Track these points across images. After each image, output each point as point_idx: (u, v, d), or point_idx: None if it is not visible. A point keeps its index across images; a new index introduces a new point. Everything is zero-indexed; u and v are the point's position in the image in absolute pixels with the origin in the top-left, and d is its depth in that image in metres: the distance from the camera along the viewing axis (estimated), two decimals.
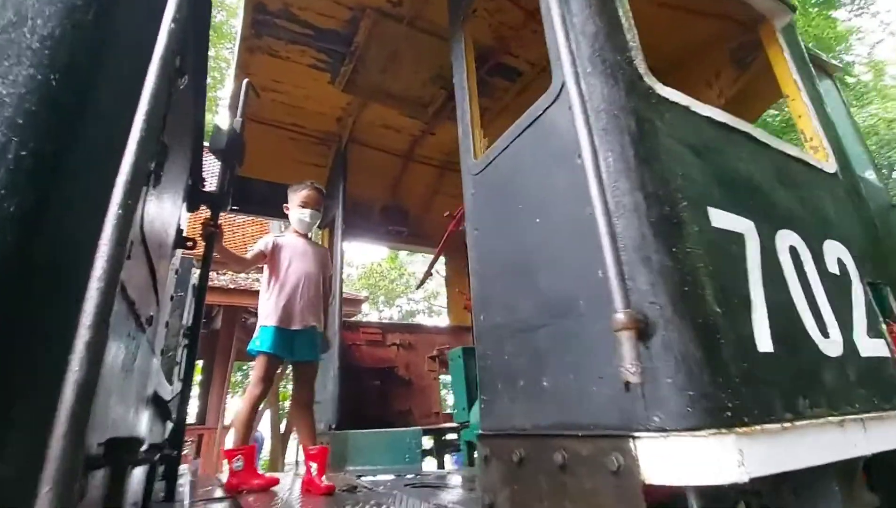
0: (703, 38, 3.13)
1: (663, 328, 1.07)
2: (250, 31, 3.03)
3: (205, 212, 2.09)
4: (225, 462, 2.56)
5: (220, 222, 2.08)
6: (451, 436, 4.22)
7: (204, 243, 1.81)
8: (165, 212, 1.23)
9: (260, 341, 2.45)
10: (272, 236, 2.71)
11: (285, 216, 3.14)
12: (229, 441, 9.79)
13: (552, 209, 1.42)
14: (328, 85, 3.56)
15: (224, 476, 3.07)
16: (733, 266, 1.32)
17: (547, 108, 1.49)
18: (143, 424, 1.34)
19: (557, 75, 1.45)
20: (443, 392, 5.37)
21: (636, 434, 1.05)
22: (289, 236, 2.79)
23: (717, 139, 1.55)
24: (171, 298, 1.78)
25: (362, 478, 2.92)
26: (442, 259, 5.57)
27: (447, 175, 4.79)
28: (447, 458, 4.23)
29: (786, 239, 1.53)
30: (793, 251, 1.54)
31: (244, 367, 17.49)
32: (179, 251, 1.74)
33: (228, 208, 1.90)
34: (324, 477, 2.33)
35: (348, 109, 3.90)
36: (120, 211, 0.61)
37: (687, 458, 0.99)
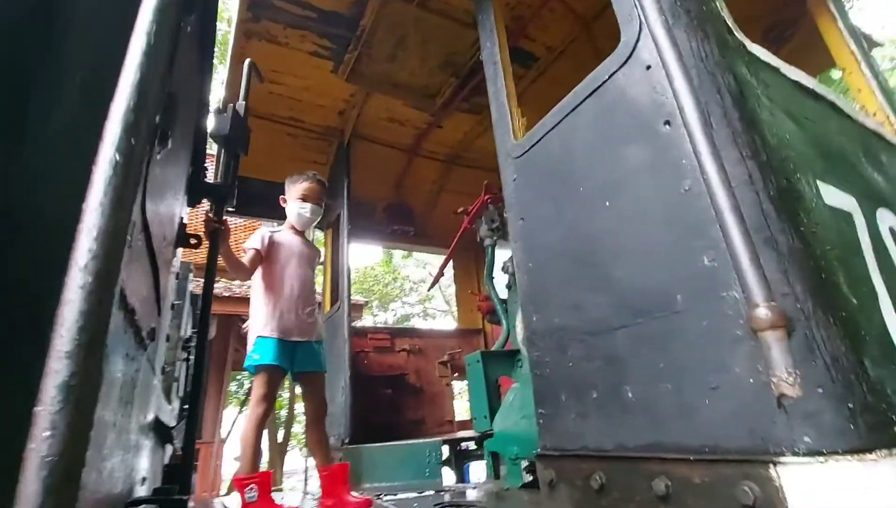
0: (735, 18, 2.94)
1: (805, 324, 0.85)
2: (247, 14, 2.79)
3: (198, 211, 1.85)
4: (231, 490, 2.29)
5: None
6: (467, 445, 4.00)
7: (208, 242, 1.57)
8: (167, 198, 0.99)
9: (259, 354, 2.19)
10: (265, 231, 2.41)
11: (284, 218, 2.90)
12: (228, 455, 9.45)
13: (627, 189, 1.21)
14: (330, 74, 3.33)
15: (231, 504, 2.81)
16: (851, 250, 1.11)
17: (614, 71, 1.27)
18: (143, 468, 1.10)
19: (629, 32, 1.23)
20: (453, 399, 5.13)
21: (779, 459, 0.83)
22: (284, 232, 2.50)
23: (808, 107, 1.34)
24: (172, 306, 1.53)
25: (383, 497, 2.68)
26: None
27: (454, 170, 4.57)
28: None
29: (886, 219, 1.33)
30: (894, 233, 1.34)
31: (238, 377, 17.10)
32: (180, 252, 1.49)
33: (234, 201, 1.65)
34: (353, 493, 2.10)
35: (351, 101, 3.66)
36: (120, 164, 0.37)
37: (854, 488, 0.77)
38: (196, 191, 1.56)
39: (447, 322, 18.68)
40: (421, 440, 3.38)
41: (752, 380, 0.90)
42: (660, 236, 1.11)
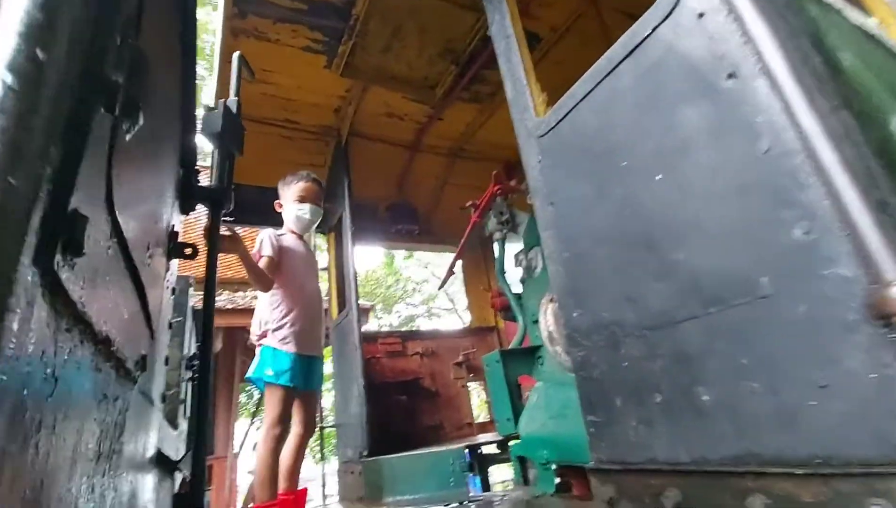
0: None
1: None
2: (233, 11, 2.62)
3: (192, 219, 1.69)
4: None
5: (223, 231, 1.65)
6: (489, 449, 3.84)
7: (207, 251, 1.40)
8: (150, 200, 0.81)
9: (276, 370, 2.02)
10: (271, 234, 2.24)
11: (281, 224, 2.75)
12: (242, 468, 9.30)
13: (685, 158, 1.04)
14: (324, 70, 3.16)
15: None
16: None
17: (657, 25, 1.10)
18: None
19: None
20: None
21: None
22: (288, 236, 2.34)
23: (875, 55, 1.18)
24: (170, 325, 1.36)
25: None
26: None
27: (458, 164, 4.40)
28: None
29: None
30: None
31: (248, 388, 16.95)
32: (175, 264, 1.32)
33: (231, 205, 1.48)
34: None
35: (347, 97, 3.49)
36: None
37: None
38: (189, 196, 1.40)
39: (452, 321, 18.54)
40: (443, 448, 3.22)
41: (874, 375, 0.74)
42: (732, 208, 0.95)
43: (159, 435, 1.30)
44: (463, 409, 4.29)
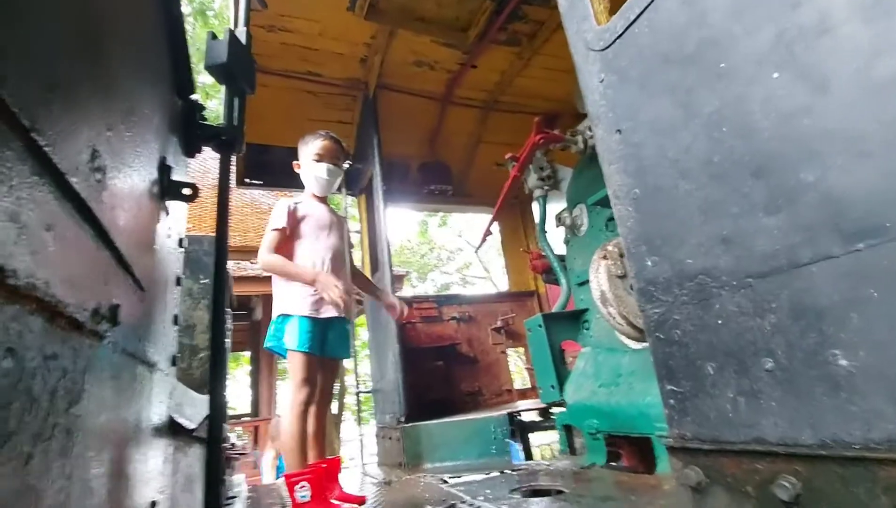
0: None
1: None
2: None
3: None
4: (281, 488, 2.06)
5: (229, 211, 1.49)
6: (530, 416, 3.69)
7: (217, 200, 1.23)
8: (120, 120, 0.62)
9: (294, 337, 1.92)
10: (288, 204, 2.11)
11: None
12: (270, 450, 9.70)
13: (818, 42, 0.76)
14: (346, 14, 2.90)
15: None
16: None
17: None
18: (150, 490, 0.80)
19: None
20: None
21: None
22: (307, 201, 2.19)
23: None
24: (179, 281, 1.21)
25: (450, 480, 2.40)
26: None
27: (492, 118, 4.10)
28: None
29: None
30: None
31: None
32: (180, 211, 1.16)
33: (243, 150, 1.29)
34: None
35: (373, 44, 3.23)
36: None
37: None
38: (193, 135, 1.22)
39: (486, 288, 18.46)
40: (484, 415, 3.08)
41: None
42: (893, 105, 0.68)
43: (174, 402, 1.17)
44: (502, 375, 4.15)
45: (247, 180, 3.83)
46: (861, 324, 0.72)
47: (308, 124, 3.67)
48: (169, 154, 0.99)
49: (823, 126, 0.76)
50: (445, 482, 2.39)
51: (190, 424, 1.17)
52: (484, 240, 3.85)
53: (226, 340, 2.28)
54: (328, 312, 1.99)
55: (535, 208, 4.66)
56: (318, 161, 2.14)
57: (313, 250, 2.10)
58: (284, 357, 1.97)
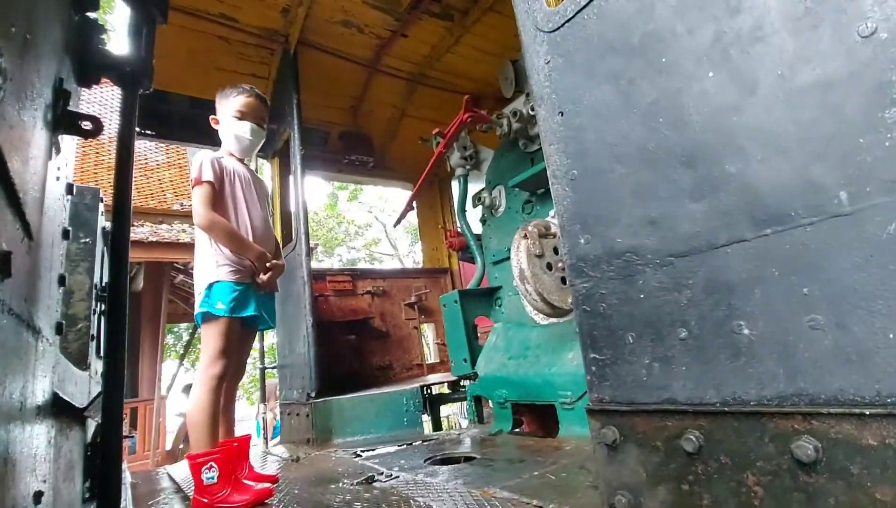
0: None
1: None
2: None
3: None
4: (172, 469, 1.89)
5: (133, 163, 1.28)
6: (440, 389, 3.79)
7: (117, 149, 1.07)
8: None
9: (220, 300, 1.76)
10: (210, 156, 1.90)
11: (213, 144, 2.36)
12: (171, 410, 8.89)
13: (751, 47, 0.85)
14: None
15: (178, 473, 2.42)
16: None
17: None
18: (37, 478, 0.68)
19: None
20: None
21: None
22: (227, 159, 1.98)
23: None
24: (66, 234, 1.04)
25: (363, 454, 2.39)
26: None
27: (419, 92, 4.04)
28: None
29: None
30: None
31: (175, 329, 16.09)
32: (70, 147, 0.99)
33: (151, 87, 1.13)
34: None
35: None
36: None
37: None
38: (91, 62, 1.03)
39: (394, 266, 18.44)
40: (398, 388, 3.10)
41: None
42: (812, 108, 0.78)
43: (57, 377, 1.01)
44: (413, 350, 4.20)
45: (137, 130, 3.36)
46: (762, 298, 0.83)
47: (216, 74, 3.31)
48: (65, 77, 0.83)
49: (748, 123, 0.86)
50: (359, 455, 2.38)
51: (79, 402, 1.02)
52: (404, 215, 3.82)
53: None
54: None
55: (455, 186, 4.72)
56: (239, 119, 1.94)
57: (239, 215, 1.92)
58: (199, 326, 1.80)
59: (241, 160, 2.05)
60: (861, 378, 0.72)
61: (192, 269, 8.52)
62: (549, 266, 2.30)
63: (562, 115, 1.23)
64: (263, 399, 4.14)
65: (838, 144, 0.75)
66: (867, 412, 0.70)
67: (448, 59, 3.73)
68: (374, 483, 1.75)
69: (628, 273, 1.05)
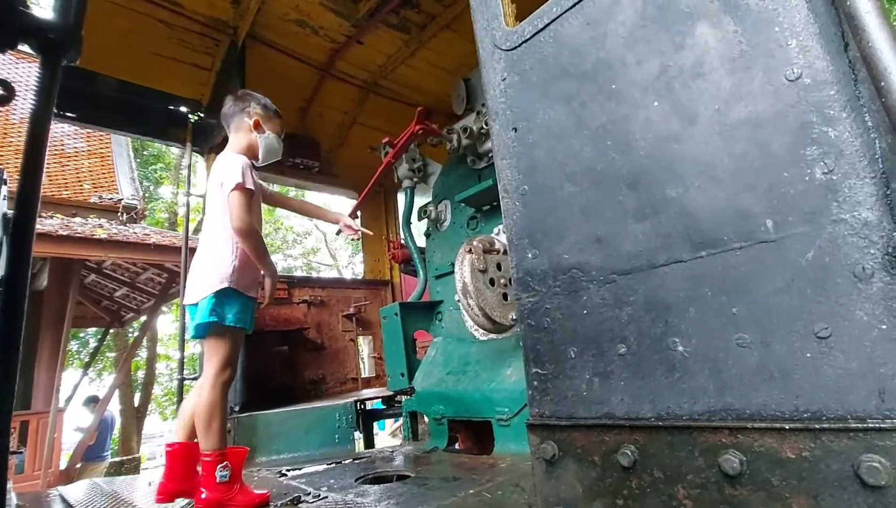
0: None
1: None
2: None
3: None
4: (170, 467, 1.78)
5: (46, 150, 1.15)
6: (375, 405, 3.69)
7: (30, 123, 0.95)
8: None
9: (237, 315, 1.78)
10: (249, 162, 1.94)
11: (145, 133, 2.38)
12: (69, 425, 7.96)
13: (692, 82, 0.91)
14: None
15: (75, 493, 2.15)
16: None
17: None
18: None
19: None
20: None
21: None
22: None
23: None
24: None
25: (289, 473, 2.25)
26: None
27: (370, 102, 4.00)
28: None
29: None
30: None
31: (81, 335, 14.54)
32: None
33: (77, 59, 1.02)
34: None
35: None
36: None
37: None
38: (7, 23, 0.92)
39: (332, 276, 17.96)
40: (329, 403, 2.97)
41: (884, 326, 0.69)
42: (742, 143, 0.85)
43: None
44: (349, 363, 4.07)
45: (56, 110, 3.05)
46: (696, 316, 0.88)
47: (152, 60, 3.10)
48: None
49: (688, 152, 0.92)
50: (284, 475, 2.24)
51: None
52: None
53: None
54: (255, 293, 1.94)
55: (401, 198, 4.69)
56: (279, 135, 2.10)
57: (256, 220, 1.95)
58: (202, 337, 1.78)
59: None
60: (782, 394, 0.77)
61: (106, 269, 7.73)
62: (492, 282, 2.32)
63: (515, 131, 1.25)
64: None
65: (765, 176, 0.82)
66: (787, 427, 0.75)
67: (402, 71, 3.74)
68: (300, 506, 1.65)
69: (573, 289, 1.08)
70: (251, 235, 1.80)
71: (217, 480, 1.61)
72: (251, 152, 2.01)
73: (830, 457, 0.71)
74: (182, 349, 3.67)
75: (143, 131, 3.47)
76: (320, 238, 20.69)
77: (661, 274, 0.94)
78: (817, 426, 0.72)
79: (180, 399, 3.58)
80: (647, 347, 0.94)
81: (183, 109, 3.54)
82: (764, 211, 0.81)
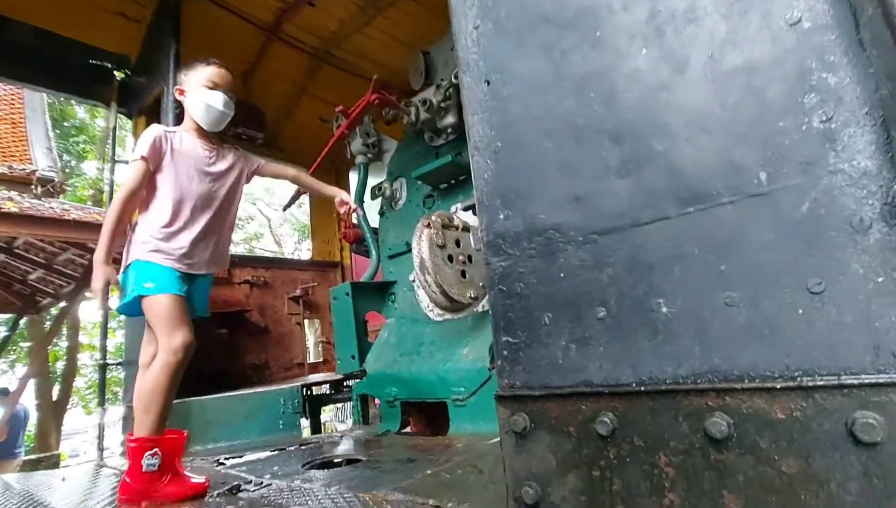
0: None
1: None
2: None
3: None
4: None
5: None
6: (322, 389, 3.53)
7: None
8: None
9: (153, 282, 1.59)
10: (159, 130, 1.74)
11: (58, 88, 2.11)
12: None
13: (684, 27, 0.86)
14: None
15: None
16: None
17: None
18: None
19: None
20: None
21: None
22: (186, 136, 1.80)
23: None
24: None
25: (227, 462, 2.07)
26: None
27: (322, 70, 3.78)
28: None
29: None
30: None
31: None
32: None
33: None
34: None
35: None
36: None
37: None
38: None
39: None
40: (273, 388, 2.78)
41: (881, 278, 0.66)
42: (737, 91, 0.80)
43: None
44: (294, 348, 3.87)
45: None
46: (681, 276, 0.83)
47: (74, 6, 2.73)
48: None
49: (677, 102, 0.86)
50: (222, 463, 2.06)
51: None
52: (294, 200, 3.51)
53: None
54: (199, 268, 1.72)
55: (353, 177, 4.49)
56: (212, 88, 1.77)
57: (179, 195, 1.70)
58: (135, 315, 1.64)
59: (208, 135, 1.84)
60: (772, 353, 0.73)
61: (18, 248, 6.97)
62: (451, 258, 2.24)
63: (488, 83, 1.16)
64: (102, 403, 3.46)
65: (760, 126, 0.77)
66: (777, 386, 0.71)
67: (357, 39, 3.55)
68: (240, 494, 1.50)
69: (549, 251, 1.01)
70: (114, 203, 1.65)
71: (143, 469, 1.45)
72: (193, 122, 1.83)
73: (823, 416, 0.68)
74: (103, 335, 3.33)
75: (61, 87, 3.08)
76: (264, 223, 19.84)
77: (644, 232, 0.88)
78: (810, 384, 0.69)
79: (102, 390, 3.27)
80: (628, 309, 0.88)
81: (108, 64, 3.17)
82: (757, 163, 0.77)
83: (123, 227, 1.68)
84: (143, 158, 1.62)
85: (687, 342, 0.81)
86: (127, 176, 1.66)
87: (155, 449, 1.47)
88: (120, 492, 1.48)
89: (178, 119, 2.75)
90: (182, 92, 1.83)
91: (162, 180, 1.68)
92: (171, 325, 1.54)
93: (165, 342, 1.53)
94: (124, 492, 1.47)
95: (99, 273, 1.56)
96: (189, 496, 1.49)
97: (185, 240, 1.66)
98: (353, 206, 2.18)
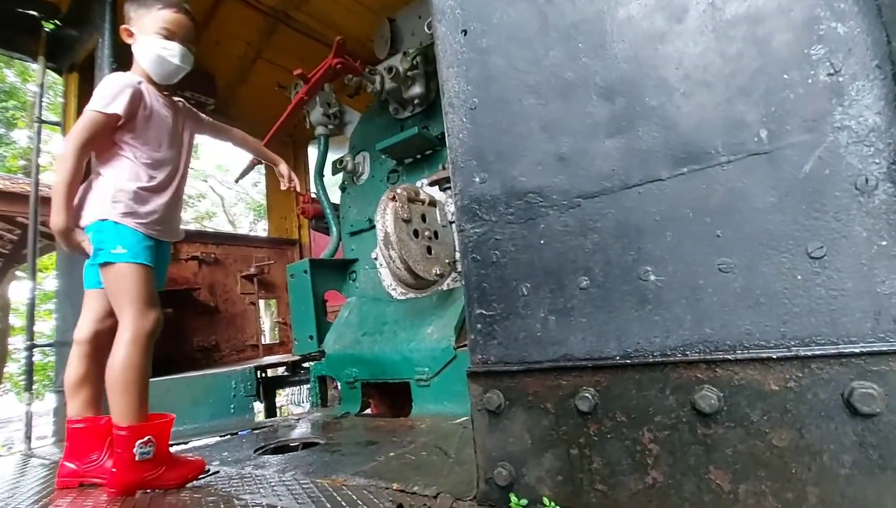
0: None
1: None
2: None
3: None
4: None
5: None
6: (278, 371, 3.37)
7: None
8: None
9: (125, 248, 1.37)
10: (131, 78, 1.48)
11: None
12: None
13: None
14: None
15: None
16: None
17: None
18: None
19: None
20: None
21: None
22: (151, 89, 1.55)
23: None
24: None
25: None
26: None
27: (279, 33, 3.52)
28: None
29: None
30: None
31: None
32: None
33: None
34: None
35: None
36: None
37: None
38: None
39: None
40: (223, 369, 2.60)
41: (884, 242, 0.63)
42: (738, 43, 0.74)
43: None
44: (248, 329, 3.66)
45: None
46: (673, 241, 0.77)
47: None
48: None
49: (673, 54, 0.79)
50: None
51: None
52: (247, 172, 3.28)
53: None
54: (165, 235, 1.53)
55: (312, 150, 4.26)
56: (166, 37, 1.50)
57: (153, 155, 1.49)
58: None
59: (162, 89, 1.57)
60: (768, 321, 0.69)
61: None
62: (416, 233, 2.13)
63: (465, 34, 1.06)
64: (30, 388, 3.16)
65: (762, 80, 0.72)
66: (773, 356, 0.67)
67: (319, 2, 3.32)
68: (185, 484, 1.36)
69: (529, 216, 0.93)
70: (66, 157, 1.41)
71: (137, 458, 1.31)
72: (143, 72, 1.55)
73: (819, 386, 0.64)
74: (30, 315, 3.02)
75: None
76: (216, 202, 18.93)
77: (634, 195, 0.82)
78: (807, 354, 0.65)
79: (30, 374, 2.99)
80: (614, 278, 0.82)
81: (34, 13, 2.81)
82: (758, 119, 0.72)
83: (79, 185, 1.44)
84: (115, 113, 1.38)
85: (677, 311, 0.76)
86: (83, 123, 1.39)
87: (148, 437, 1.33)
88: (108, 485, 1.33)
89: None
90: (130, 34, 1.55)
91: (133, 138, 1.44)
92: (143, 300, 1.35)
93: (136, 318, 1.34)
94: (113, 485, 1.32)
95: (69, 242, 1.37)
96: (191, 477, 1.38)
97: (158, 203, 1.47)
98: (292, 184, 2.01)
